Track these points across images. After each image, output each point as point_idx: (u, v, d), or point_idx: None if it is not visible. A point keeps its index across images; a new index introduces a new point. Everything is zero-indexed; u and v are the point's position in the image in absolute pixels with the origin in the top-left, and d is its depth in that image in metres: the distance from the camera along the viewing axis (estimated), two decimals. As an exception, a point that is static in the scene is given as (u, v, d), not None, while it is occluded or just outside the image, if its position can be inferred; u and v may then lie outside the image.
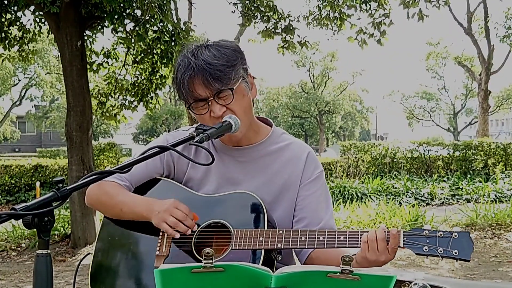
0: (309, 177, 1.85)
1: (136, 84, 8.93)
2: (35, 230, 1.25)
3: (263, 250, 1.64)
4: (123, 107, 9.17)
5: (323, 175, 1.90)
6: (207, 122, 1.71)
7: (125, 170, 1.43)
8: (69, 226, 7.67)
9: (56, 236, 7.87)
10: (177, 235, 1.69)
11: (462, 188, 12.01)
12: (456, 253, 1.49)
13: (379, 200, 9.82)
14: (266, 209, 1.70)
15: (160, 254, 1.74)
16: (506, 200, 10.51)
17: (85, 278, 1.86)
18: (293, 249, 1.87)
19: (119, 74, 9.02)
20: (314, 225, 1.80)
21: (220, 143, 1.84)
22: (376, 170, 14.67)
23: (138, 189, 1.89)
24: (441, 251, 1.49)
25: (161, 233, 1.77)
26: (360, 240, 1.57)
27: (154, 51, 8.03)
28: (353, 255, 1.56)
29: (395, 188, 11.59)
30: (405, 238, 1.54)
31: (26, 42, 8.43)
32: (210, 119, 1.70)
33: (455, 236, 1.50)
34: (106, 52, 8.68)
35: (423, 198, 11.33)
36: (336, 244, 1.60)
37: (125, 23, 7.46)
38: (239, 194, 1.76)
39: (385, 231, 1.55)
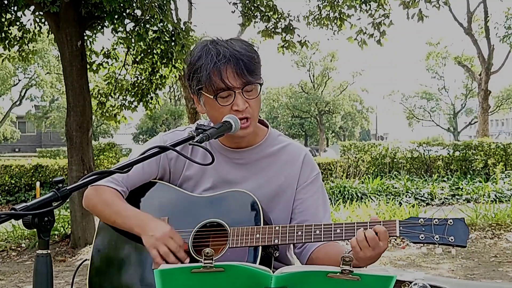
0: (305, 180, 1.85)
1: (136, 84, 8.93)
2: (35, 230, 1.25)
3: (260, 247, 1.64)
4: (123, 107, 9.16)
5: (320, 177, 1.90)
6: (222, 117, 1.68)
7: (125, 170, 1.43)
8: (69, 226, 7.66)
9: (56, 236, 7.86)
10: (163, 266, 1.69)
11: (462, 188, 12.01)
12: (452, 239, 1.49)
13: (379, 200, 9.81)
14: (261, 207, 1.70)
15: None
16: (506, 200, 10.51)
17: (85, 278, 1.85)
18: (292, 248, 1.87)
19: (119, 74, 9.02)
20: None
21: (217, 144, 1.84)
22: (376, 170, 14.67)
23: (133, 192, 1.88)
24: (437, 238, 1.50)
25: None
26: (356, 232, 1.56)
27: (154, 51, 8.03)
28: (350, 251, 1.56)
29: (395, 188, 11.59)
30: (400, 228, 1.54)
31: (26, 42, 8.42)
32: (228, 113, 1.68)
33: (451, 223, 1.51)
34: (106, 52, 8.67)
35: (423, 198, 11.33)
36: (332, 237, 1.60)
37: (125, 23, 7.45)
38: (233, 192, 1.76)
39: (376, 232, 1.53)
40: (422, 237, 1.51)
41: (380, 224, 1.54)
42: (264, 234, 1.63)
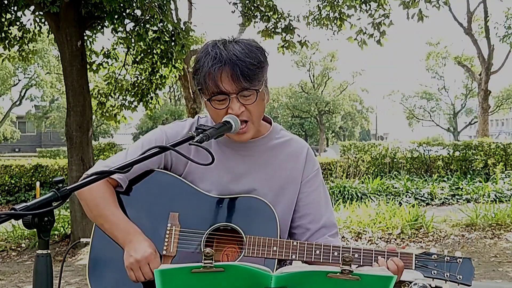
0: (309, 174, 1.87)
1: (136, 84, 8.93)
2: (35, 230, 1.25)
3: (276, 260, 1.64)
4: (123, 107, 9.16)
5: (320, 171, 1.94)
6: (220, 119, 1.69)
7: (125, 170, 1.43)
8: (69, 226, 7.66)
9: (56, 236, 7.86)
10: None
11: (462, 188, 12.00)
12: (460, 277, 1.63)
13: (379, 200, 9.81)
14: (278, 218, 1.70)
15: (167, 253, 1.72)
16: (506, 200, 10.51)
17: (85, 278, 1.84)
18: None
19: (119, 74, 9.02)
20: (317, 221, 1.83)
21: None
22: (376, 170, 14.67)
23: (145, 181, 1.81)
24: (447, 276, 1.63)
25: (167, 232, 1.74)
26: (374, 260, 1.63)
27: (154, 51, 8.03)
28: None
29: (395, 188, 11.59)
30: (416, 261, 1.65)
31: (26, 42, 8.43)
32: (224, 116, 1.68)
33: (460, 261, 1.64)
34: (106, 52, 8.67)
35: (423, 198, 11.33)
36: None
37: (125, 23, 7.45)
38: (251, 198, 1.74)
39: (397, 266, 1.61)
40: (434, 273, 1.64)
41: (397, 255, 1.64)
42: (282, 248, 1.65)
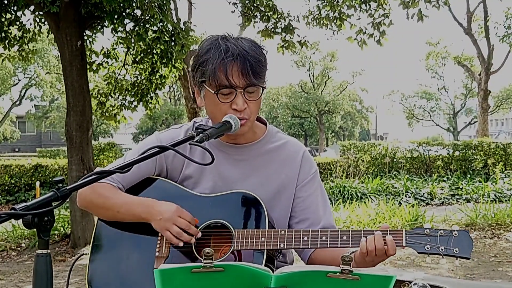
0: (305, 178, 1.85)
1: (136, 84, 8.93)
2: (35, 230, 1.25)
3: (265, 251, 1.63)
4: (123, 107, 9.17)
5: (318, 173, 1.90)
6: (221, 113, 1.68)
7: (125, 170, 1.43)
8: (69, 226, 7.67)
9: (56, 236, 7.87)
10: (181, 244, 1.69)
11: (462, 188, 12.00)
12: (456, 251, 1.53)
13: (379, 200, 9.81)
14: (266, 209, 1.69)
15: (159, 255, 1.73)
16: (506, 200, 10.50)
17: (85, 278, 1.84)
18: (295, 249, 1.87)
19: (119, 74, 9.02)
20: (316, 224, 1.81)
21: (216, 140, 1.81)
22: (376, 170, 14.67)
23: (133, 189, 1.85)
24: (442, 250, 1.53)
25: (159, 234, 1.76)
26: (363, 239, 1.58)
27: (154, 51, 8.03)
28: (351, 253, 1.57)
29: (395, 188, 11.59)
30: (407, 238, 1.57)
31: (26, 42, 8.43)
32: (227, 110, 1.67)
33: (455, 234, 1.54)
34: (106, 52, 8.68)
35: (423, 198, 11.32)
36: (339, 244, 1.60)
37: (125, 23, 7.46)
38: (238, 193, 1.75)
39: (384, 241, 1.56)
40: (427, 248, 1.54)
41: (387, 234, 1.57)
42: (270, 238, 1.63)
